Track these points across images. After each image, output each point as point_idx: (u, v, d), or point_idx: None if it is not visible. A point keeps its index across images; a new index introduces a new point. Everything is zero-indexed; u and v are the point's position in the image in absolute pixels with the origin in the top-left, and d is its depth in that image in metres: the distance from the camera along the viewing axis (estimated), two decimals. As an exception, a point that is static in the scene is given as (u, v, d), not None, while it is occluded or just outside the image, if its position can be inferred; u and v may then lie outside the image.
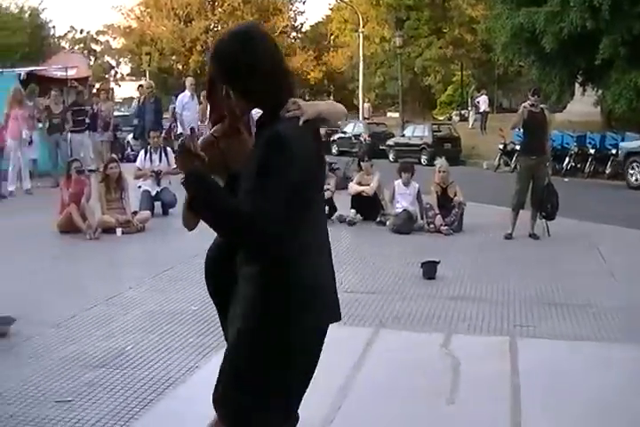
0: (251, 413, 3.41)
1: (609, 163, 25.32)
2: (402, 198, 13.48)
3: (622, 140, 25.58)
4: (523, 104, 13.08)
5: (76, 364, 6.48)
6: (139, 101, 23.38)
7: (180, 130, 20.74)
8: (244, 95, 3.39)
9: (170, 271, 9.96)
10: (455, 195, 13.48)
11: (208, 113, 4.66)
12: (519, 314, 8.17)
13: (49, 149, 19.95)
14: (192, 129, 5.76)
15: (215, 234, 3.49)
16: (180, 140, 3.97)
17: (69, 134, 20.86)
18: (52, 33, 62.60)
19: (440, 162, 13.95)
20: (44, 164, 20.06)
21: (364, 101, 48.66)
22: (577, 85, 32.85)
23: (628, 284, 9.55)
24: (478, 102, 42.11)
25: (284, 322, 3.33)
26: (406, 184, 13.58)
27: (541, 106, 12.93)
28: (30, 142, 18.90)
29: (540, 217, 12.71)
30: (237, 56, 3.32)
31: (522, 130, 13.50)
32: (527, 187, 12.68)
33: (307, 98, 76.36)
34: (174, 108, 22.19)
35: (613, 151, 25.16)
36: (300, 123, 3.35)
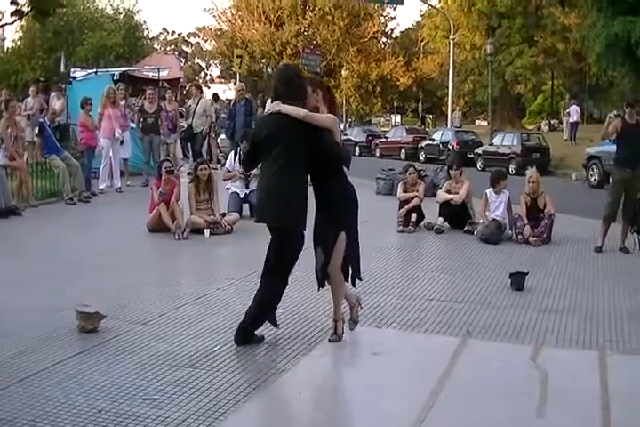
0: None
1: None
2: (493, 207, 13.34)
3: None
4: (609, 115, 12.88)
5: (164, 362, 6.53)
6: (229, 103, 23.53)
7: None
8: None
9: (257, 273, 9.88)
10: (545, 206, 13.28)
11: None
12: (609, 329, 8.02)
13: (142, 148, 20.18)
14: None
15: None
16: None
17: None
18: (145, 34, 63.22)
19: (530, 172, 13.76)
20: (136, 163, 20.31)
21: (454, 109, 48.36)
22: (672, 97, 32.25)
23: None
24: (569, 112, 41.54)
25: None
26: (498, 193, 13.44)
27: (637, 117, 12.65)
28: (122, 142, 19.10)
29: (632, 231, 12.46)
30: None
31: (612, 140, 13.19)
32: (619, 199, 12.46)
33: (395, 104, 76.54)
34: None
35: None
36: (267, 113, 7.43)
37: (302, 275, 8.57)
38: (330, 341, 7.14)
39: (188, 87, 33.04)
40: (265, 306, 7.23)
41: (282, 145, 6.82)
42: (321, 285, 7.23)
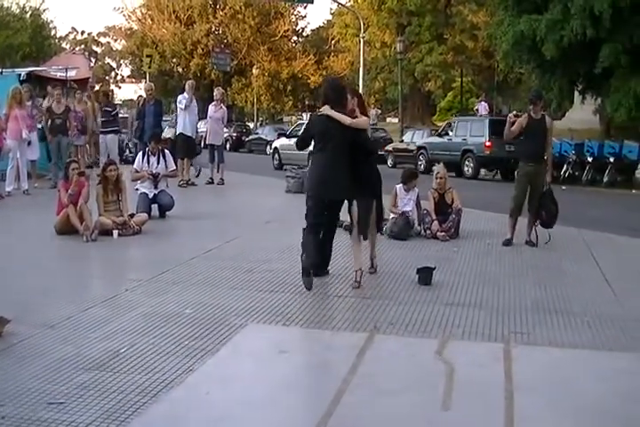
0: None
1: (607, 171, 25.39)
2: (402, 204, 13.43)
3: (620, 148, 25.68)
4: (509, 115, 13.16)
5: (71, 366, 6.45)
6: (139, 103, 23.37)
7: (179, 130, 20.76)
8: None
9: (165, 274, 9.95)
10: (453, 201, 13.44)
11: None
12: (514, 321, 8.16)
13: (50, 149, 19.89)
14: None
15: None
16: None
17: (100, 135, 21.22)
18: (53, 34, 62.38)
19: (438, 168, 13.90)
20: (44, 164, 20.03)
21: (369, 107, 48.56)
22: (577, 93, 32.88)
23: (623, 292, 9.53)
24: (477, 109, 42.06)
25: None
26: (407, 190, 13.49)
27: (542, 113, 12.86)
28: (29, 143, 18.80)
29: (537, 225, 12.68)
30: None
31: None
32: (524, 193, 12.65)
33: (306, 102, 76.78)
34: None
35: (612, 160, 25.31)
36: (319, 114, 9.52)
37: (213, 277, 8.56)
38: (353, 287, 9.38)
39: (97, 87, 32.59)
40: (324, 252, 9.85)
41: (333, 140, 9.22)
42: (365, 237, 9.92)
